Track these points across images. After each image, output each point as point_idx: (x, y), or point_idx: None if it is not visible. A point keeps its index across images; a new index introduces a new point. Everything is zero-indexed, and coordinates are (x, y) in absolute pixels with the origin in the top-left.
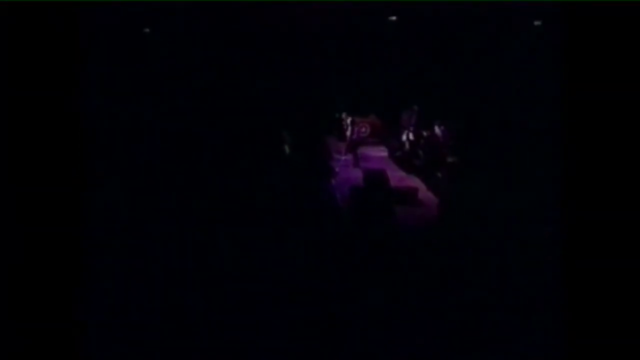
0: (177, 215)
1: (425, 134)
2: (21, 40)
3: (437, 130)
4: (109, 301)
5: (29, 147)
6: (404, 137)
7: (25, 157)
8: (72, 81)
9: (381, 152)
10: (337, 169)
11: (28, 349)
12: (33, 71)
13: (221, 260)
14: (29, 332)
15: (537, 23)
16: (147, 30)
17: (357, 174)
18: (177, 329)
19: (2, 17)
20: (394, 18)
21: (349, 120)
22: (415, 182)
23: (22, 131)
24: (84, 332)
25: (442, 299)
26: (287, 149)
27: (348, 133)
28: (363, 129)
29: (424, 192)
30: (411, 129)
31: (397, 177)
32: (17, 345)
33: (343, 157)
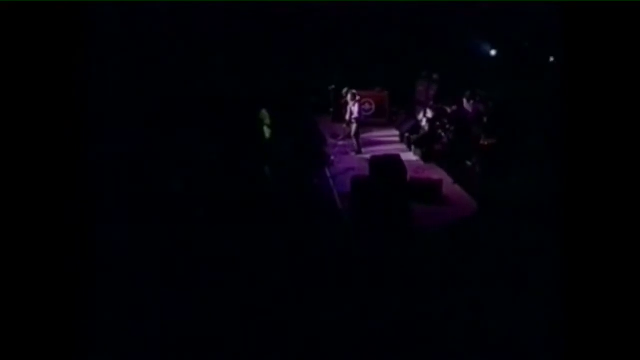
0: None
1: (449, 110)
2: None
3: (465, 104)
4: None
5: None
6: (421, 116)
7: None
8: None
9: (391, 134)
10: (333, 157)
11: None
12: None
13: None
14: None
15: None
16: None
17: (360, 164)
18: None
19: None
20: None
21: (347, 95)
22: (437, 172)
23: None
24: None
25: (472, 331)
26: (266, 132)
27: (347, 111)
28: (366, 106)
29: (450, 186)
30: (430, 104)
31: (414, 166)
32: None
33: (340, 142)
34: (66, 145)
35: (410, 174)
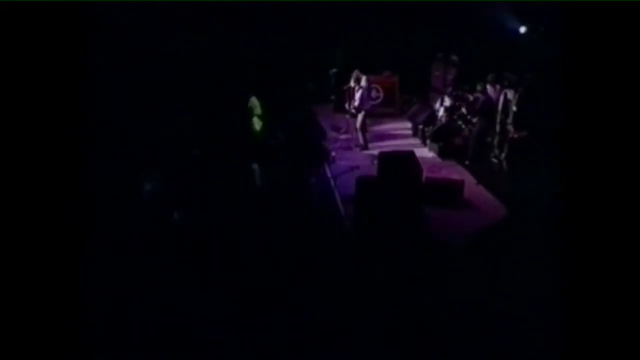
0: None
1: (471, 97)
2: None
3: (490, 90)
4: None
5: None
6: (438, 104)
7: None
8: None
9: (402, 127)
10: (334, 153)
11: None
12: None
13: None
14: None
15: None
16: None
17: (365, 161)
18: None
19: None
20: None
21: (351, 81)
22: (457, 171)
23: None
24: None
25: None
26: (255, 123)
27: (351, 99)
28: (373, 93)
29: (473, 187)
30: (448, 90)
31: (429, 164)
32: None
33: (343, 136)
34: (62, 142)
35: (425, 174)
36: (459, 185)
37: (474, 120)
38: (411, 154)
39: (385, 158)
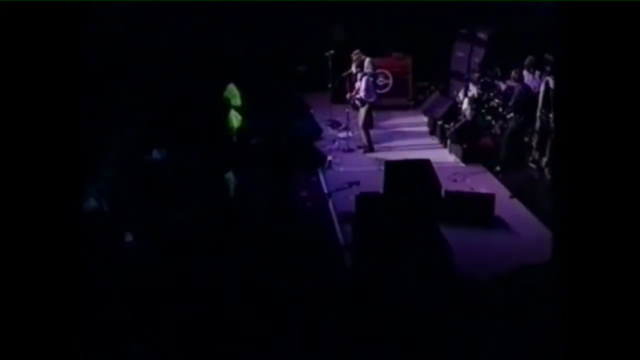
0: None
1: (503, 85)
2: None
3: (527, 77)
4: None
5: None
6: (461, 94)
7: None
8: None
9: (416, 122)
10: (331, 157)
11: None
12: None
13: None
14: None
15: None
16: None
17: (370, 166)
18: None
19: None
20: None
21: (352, 65)
22: (486, 180)
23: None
24: None
25: None
26: (233, 118)
27: (355, 89)
28: (380, 80)
29: (506, 202)
30: (475, 77)
31: (451, 171)
32: None
33: (342, 134)
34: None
35: (445, 186)
36: (487, 200)
37: (508, 115)
38: (426, 163)
39: (393, 169)
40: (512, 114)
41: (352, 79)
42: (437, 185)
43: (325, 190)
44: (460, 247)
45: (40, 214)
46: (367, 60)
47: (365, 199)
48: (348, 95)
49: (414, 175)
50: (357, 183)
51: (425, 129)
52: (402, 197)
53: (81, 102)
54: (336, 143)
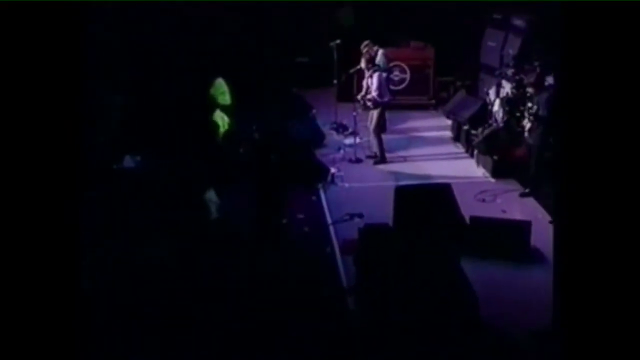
0: None
1: (547, 83)
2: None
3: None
4: None
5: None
6: (492, 93)
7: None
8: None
9: (437, 126)
10: (334, 169)
11: None
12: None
13: None
14: None
15: None
16: None
17: (381, 181)
18: None
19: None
20: None
21: (361, 61)
22: (522, 201)
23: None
24: None
25: None
26: (219, 119)
27: (365, 87)
28: (396, 75)
29: (545, 229)
30: (509, 72)
31: (478, 188)
32: None
33: (348, 140)
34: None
35: (470, 208)
36: (523, 227)
37: (549, 118)
38: (445, 189)
39: (405, 197)
40: (545, 117)
41: (362, 76)
42: (458, 216)
43: (327, 212)
44: (487, 290)
45: (39, 212)
46: (379, 53)
47: (371, 233)
48: (359, 96)
49: (429, 205)
50: (360, 215)
51: (448, 134)
52: (415, 231)
53: (80, 102)
54: (342, 151)
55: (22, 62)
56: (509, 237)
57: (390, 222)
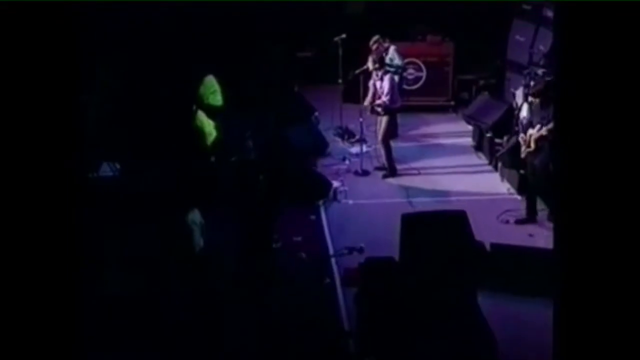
0: None
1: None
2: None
3: None
4: None
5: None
6: (519, 97)
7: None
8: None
9: (457, 131)
10: (338, 183)
11: None
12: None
13: None
14: None
15: None
16: None
17: (390, 197)
18: None
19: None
20: None
21: (369, 60)
22: (552, 224)
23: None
24: None
25: None
26: (205, 126)
27: (372, 90)
28: (410, 73)
29: None
30: (539, 72)
31: (502, 206)
32: None
33: (354, 148)
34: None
35: (491, 232)
36: (550, 257)
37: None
38: (460, 217)
39: (413, 226)
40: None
41: (368, 76)
42: (474, 248)
43: (327, 234)
44: (507, 330)
45: (37, 212)
46: (391, 50)
47: (373, 268)
48: (366, 102)
49: (441, 235)
50: (360, 250)
51: (469, 141)
52: (424, 266)
53: (76, 100)
54: (347, 162)
55: (11, 60)
56: (534, 268)
57: (397, 252)
